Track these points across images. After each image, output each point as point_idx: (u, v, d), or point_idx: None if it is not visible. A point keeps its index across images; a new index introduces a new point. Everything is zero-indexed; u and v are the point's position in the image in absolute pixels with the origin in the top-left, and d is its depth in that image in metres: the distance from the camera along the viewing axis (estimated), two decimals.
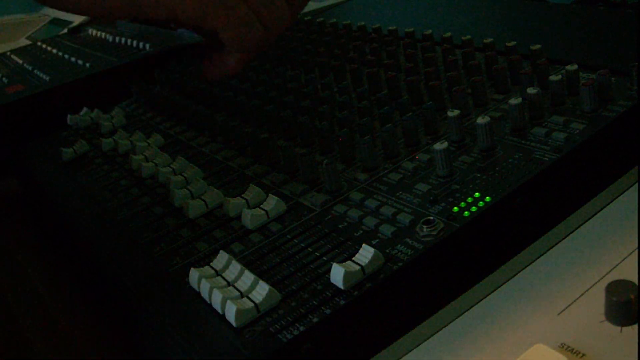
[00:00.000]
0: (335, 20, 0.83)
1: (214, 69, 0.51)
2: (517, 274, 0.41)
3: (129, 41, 0.97)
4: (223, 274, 0.42)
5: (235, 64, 0.49)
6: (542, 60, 0.55)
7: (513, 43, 0.60)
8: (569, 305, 0.36)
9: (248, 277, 0.41)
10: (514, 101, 0.49)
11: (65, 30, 1.22)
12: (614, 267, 0.38)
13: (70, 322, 0.53)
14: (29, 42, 1.26)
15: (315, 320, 0.37)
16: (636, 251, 0.39)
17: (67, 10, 0.47)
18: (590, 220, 0.44)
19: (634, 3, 0.76)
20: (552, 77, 0.51)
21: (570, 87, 0.52)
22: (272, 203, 0.48)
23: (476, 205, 0.42)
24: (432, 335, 0.39)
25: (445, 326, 0.39)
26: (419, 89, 0.59)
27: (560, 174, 0.45)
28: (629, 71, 0.50)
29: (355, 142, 0.53)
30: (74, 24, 1.24)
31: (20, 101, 0.81)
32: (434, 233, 0.41)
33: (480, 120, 0.48)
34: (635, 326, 0.33)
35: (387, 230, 0.42)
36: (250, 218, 0.47)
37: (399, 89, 0.60)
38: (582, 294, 0.37)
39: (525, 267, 0.42)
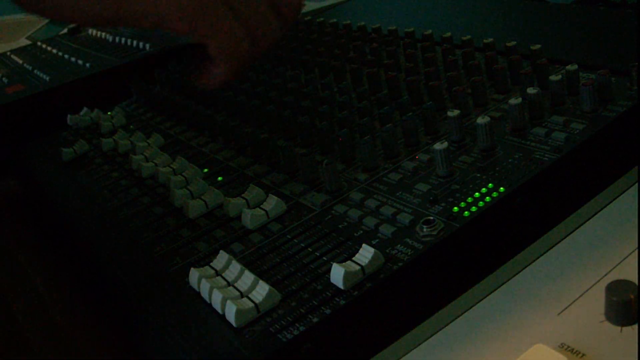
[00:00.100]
0: (335, 20, 0.83)
1: (202, 79, 0.49)
2: (517, 274, 0.41)
3: (129, 41, 0.97)
4: (223, 274, 0.42)
5: (223, 76, 0.48)
6: (542, 60, 0.55)
7: (513, 43, 0.60)
8: (569, 305, 0.36)
9: (248, 277, 0.41)
10: (514, 101, 0.49)
11: (65, 30, 1.22)
12: (614, 267, 0.38)
13: (70, 322, 0.53)
14: (29, 42, 1.26)
15: (315, 320, 0.37)
16: (636, 251, 0.39)
17: (50, 17, 0.46)
18: (590, 220, 0.44)
19: (634, 3, 0.76)
20: (552, 77, 0.51)
21: (570, 87, 0.52)
22: (272, 203, 0.48)
23: (476, 205, 0.42)
24: (432, 335, 0.39)
25: (445, 326, 0.39)
26: (419, 89, 0.59)
27: (560, 174, 0.45)
28: (629, 71, 0.50)
29: (355, 142, 0.53)
30: (74, 24, 1.24)
31: (20, 101, 0.81)
32: (434, 233, 0.41)
33: (480, 120, 0.48)
34: (635, 326, 0.33)
35: (387, 230, 0.42)
36: (250, 218, 0.47)
37: (399, 89, 0.60)
38: (582, 294, 0.37)
39: (525, 267, 0.42)
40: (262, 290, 0.39)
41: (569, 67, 0.52)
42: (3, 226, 0.70)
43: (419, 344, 0.38)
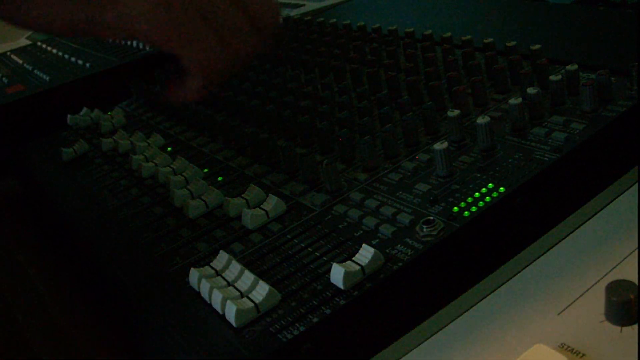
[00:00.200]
0: (335, 20, 0.83)
1: (176, 92, 0.48)
2: (517, 274, 0.41)
3: (129, 41, 0.97)
4: (223, 274, 0.42)
5: (198, 90, 0.46)
6: (542, 60, 0.55)
7: (513, 43, 0.60)
8: (569, 305, 0.36)
9: (248, 277, 0.41)
10: (514, 101, 0.49)
11: None
12: (614, 267, 0.38)
13: (70, 322, 0.53)
14: (29, 42, 1.26)
15: (315, 320, 0.37)
16: (636, 251, 0.39)
17: (23, 26, 0.44)
18: (590, 220, 0.44)
19: (634, 3, 0.76)
20: (552, 77, 0.51)
21: (570, 87, 0.52)
22: (272, 203, 0.48)
23: (476, 205, 0.42)
24: (432, 335, 0.39)
25: (445, 326, 0.39)
26: (419, 89, 0.59)
27: (560, 174, 0.45)
28: (629, 71, 0.50)
29: (355, 142, 0.53)
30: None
31: (20, 101, 0.81)
32: (434, 233, 0.41)
33: (480, 120, 0.48)
34: (635, 326, 0.33)
35: (387, 230, 0.42)
36: (250, 218, 0.47)
37: (399, 89, 0.60)
38: (582, 294, 0.37)
39: (525, 267, 0.42)
40: (262, 290, 0.39)
41: (569, 67, 0.52)
42: (3, 226, 0.70)
43: (419, 344, 0.38)
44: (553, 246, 0.43)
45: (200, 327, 0.40)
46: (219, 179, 0.56)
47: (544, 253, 0.42)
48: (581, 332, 0.34)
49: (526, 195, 0.43)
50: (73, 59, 0.96)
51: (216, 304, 0.40)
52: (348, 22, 0.81)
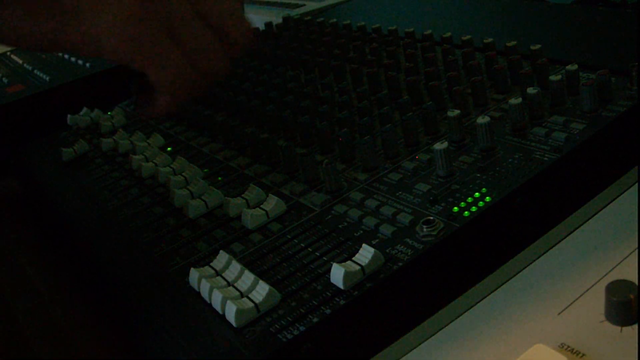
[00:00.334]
0: (335, 20, 0.83)
1: (145, 107, 0.47)
2: (517, 274, 0.41)
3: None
4: (223, 274, 0.42)
5: (166, 106, 0.45)
6: (542, 60, 0.55)
7: (513, 43, 0.60)
8: (569, 305, 0.36)
9: (248, 277, 0.41)
10: (514, 101, 0.49)
11: None
12: (614, 267, 0.38)
13: (70, 322, 0.53)
14: None
15: (315, 320, 0.37)
16: (636, 251, 0.39)
17: None
18: (590, 220, 0.44)
19: (634, 3, 0.76)
20: (552, 77, 0.51)
21: (570, 87, 0.52)
22: (272, 203, 0.48)
23: (476, 205, 0.42)
24: (432, 335, 0.39)
25: (445, 326, 0.39)
26: (419, 89, 0.59)
27: (560, 174, 0.45)
28: (629, 71, 0.50)
29: (355, 142, 0.53)
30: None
31: (20, 101, 0.81)
32: (434, 233, 0.41)
33: (480, 120, 0.48)
34: (635, 326, 0.33)
35: (387, 230, 0.42)
36: (250, 218, 0.47)
37: (399, 89, 0.60)
38: (582, 294, 0.37)
39: (525, 267, 0.42)
40: (262, 290, 0.39)
41: (569, 67, 0.52)
42: (3, 226, 0.70)
43: (419, 344, 0.38)
44: (553, 246, 0.43)
45: (200, 327, 0.40)
46: (219, 179, 0.56)
47: (544, 253, 0.42)
48: (581, 332, 0.34)
49: (526, 195, 0.43)
50: (73, 59, 0.96)
51: (216, 304, 0.40)
52: (348, 22, 0.81)
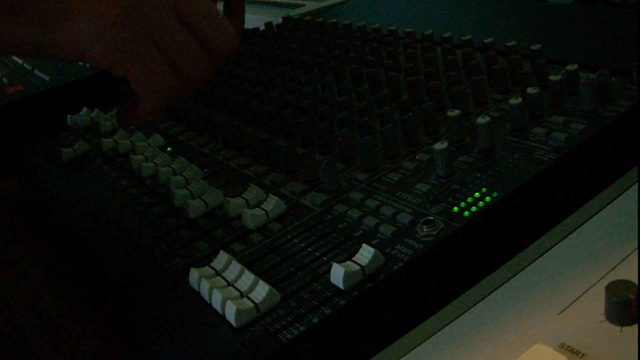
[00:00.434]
0: (335, 20, 0.83)
1: (126, 115, 0.47)
2: (517, 274, 0.41)
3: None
4: (223, 274, 0.42)
5: (148, 114, 0.45)
6: (542, 60, 0.55)
7: (513, 43, 0.60)
8: (569, 305, 0.36)
9: (248, 277, 0.41)
10: (514, 101, 0.49)
11: None
12: (614, 267, 0.38)
13: (70, 322, 0.53)
14: None
15: (315, 320, 0.37)
16: (636, 251, 0.39)
17: None
18: (590, 220, 0.44)
19: (634, 3, 0.76)
20: (552, 77, 0.51)
21: (570, 87, 0.52)
22: (272, 203, 0.48)
23: (476, 205, 0.42)
24: (432, 335, 0.38)
25: (445, 326, 0.39)
26: (419, 89, 0.59)
27: (560, 174, 0.45)
28: (629, 71, 0.50)
29: (355, 142, 0.53)
30: None
31: (20, 101, 0.81)
32: (434, 233, 0.41)
33: (480, 120, 0.48)
34: (635, 326, 0.33)
35: (387, 230, 0.42)
36: (250, 218, 0.47)
37: (399, 89, 0.60)
38: (582, 294, 0.37)
39: (525, 267, 0.42)
40: (262, 290, 0.39)
41: (569, 67, 0.52)
42: (3, 226, 0.70)
43: (419, 344, 0.38)
44: (553, 246, 0.43)
45: (200, 327, 0.40)
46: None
47: (544, 253, 0.42)
48: (581, 332, 0.34)
49: (526, 195, 0.43)
50: None
51: (216, 304, 0.40)
52: (348, 22, 0.81)
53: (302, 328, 0.37)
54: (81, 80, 0.84)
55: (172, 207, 0.53)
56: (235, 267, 0.42)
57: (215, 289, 0.40)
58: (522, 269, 0.41)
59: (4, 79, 0.95)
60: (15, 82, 0.92)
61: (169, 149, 0.63)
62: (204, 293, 0.41)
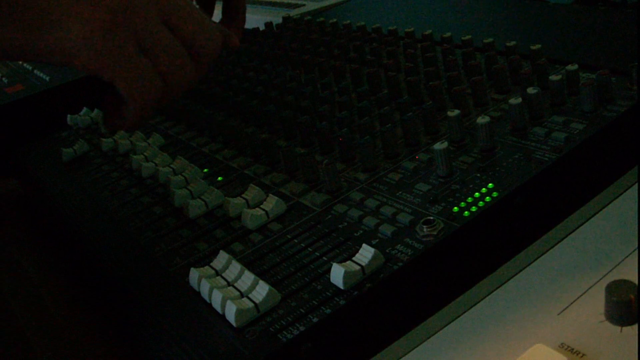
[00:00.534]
0: (335, 20, 0.83)
1: (112, 120, 0.46)
2: (517, 274, 0.41)
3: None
4: (223, 274, 0.42)
5: (134, 118, 0.45)
6: (542, 60, 0.55)
7: (513, 43, 0.60)
8: (569, 305, 0.36)
9: (248, 277, 0.41)
10: (514, 101, 0.49)
11: None
12: (614, 267, 0.38)
13: (70, 322, 0.53)
14: None
15: (315, 320, 0.37)
16: (636, 251, 0.39)
17: None
18: (590, 220, 0.44)
19: (634, 3, 0.76)
20: (552, 77, 0.51)
21: (570, 87, 0.52)
22: (272, 203, 0.48)
23: (476, 205, 0.42)
24: (432, 335, 0.39)
25: (445, 326, 0.39)
26: (419, 89, 0.59)
27: (560, 174, 0.45)
28: (629, 71, 0.50)
29: (355, 142, 0.53)
30: None
31: (20, 101, 0.81)
32: (434, 233, 0.41)
33: (480, 120, 0.48)
34: (635, 326, 0.33)
35: (387, 230, 0.42)
36: (250, 218, 0.47)
37: (399, 89, 0.60)
38: (582, 294, 0.37)
39: (525, 267, 0.42)
40: (262, 290, 0.39)
41: (569, 67, 0.52)
42: (3, 226, 0.70)
43: (419, 344, 0.38)
44: (553, 246, 0.43)
45: (200, 327, 0.40)
46: (219, 179, 0.56)
47: (544, 253, 0.42)
48: (581, 332, 0.34)
49: (526, 195, 0.43)
50: None
51: (216, 304, 0.40)
52: (348, 22, 0.81)
53: (302, 328, 0.37)
54: (81, 80, 0.84)
55: (172, 207, 0.53)
56: (235, 267, 0.42)
57: (215, 289, 0.40)
58: (522, 269, 0.41)
59: (4, 79, 0.95)
60: (15, 82, 0.91)
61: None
62: (204, 293, 0.41)
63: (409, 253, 0.40)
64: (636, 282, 0.33)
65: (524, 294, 0.39)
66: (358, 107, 0.58)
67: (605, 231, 0.42)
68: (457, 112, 0.50)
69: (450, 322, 0.39)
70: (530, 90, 0.50)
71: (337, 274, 0.39)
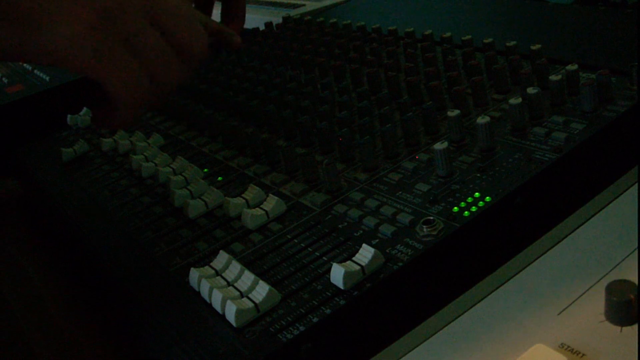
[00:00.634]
0: (335, 20, 0.83)
1: (101, 120, 0.47)
2: (517, 274, 0.41)
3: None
4: (223, 274, 0.42)
5: (123, 119, 0.45)
6: (542, 60, 0.55)
7: (513, 43, 0.60)
8: (569, 305, 0.36)
9: (248, 277, 0.41)
10: (514, 101, 0.49)
11: None
12: (614, 267, 0.38)
13: (70, 322, 0.53)
14: None
15: (315, 320, 0.37)
16: (636, 251, 0.39)
17: None
18: (590, 220, 0.44)
19: (634, 3, 0.76)
20: (552, 77, 0.51)
21: (570, 87, 0.52)
22: (272, 203, 0.48)
23: (476, 205, 0.42)
24: (432, 335, 0.39)
25: (445, 326, 0.39)
26: (419, 89, 0.59)
27: (560, 174, 0.45)
28: (629, 71, 0.50)
29: (355, 142, 0.53)
30: None
31: (20, 101, 0.81)
32: (434, 233, 0.41)
33: (480, 120, 0.48)
34: (635, 326, 0.33)
35: (387, 230, 0.42)
36: (250, 218, 0.47)
37: (399, 89, 0.60)
38: (582, 294, 0.37)
39: (525, 267, 0.42)
40: (262, 290, 0.39)
41: (569, 67, 0.52)
42: (3, 226, 0.70)
43: (419, 344, 0.38)
44: (553, 246, 0.43)
45: (200, 327, 0.40)
46: (219, 178, 0.56)
47: (544, 253, 0.42)
48: (581, 332, 0.34)
49: (526, 195, 0.43)
50: None
51: (216, 304, 0.40)
52: (348, 22, 0.81)
53: (302, 328, 0.37)
54: (81, 80, 0.84)
55: (172, 207, 0.53)
56: (235, 267, 0.42)
57: (215, 289, 0.40)
58: (522, 269, 0.41)
59: (4, 79, 0.95)
60: (15, 82, 0.91)
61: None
62: (204, 293, 0.41)
63: (409, 253, 0.40)
64: (636, 282, 0.33)
65: (524, 294, 0.39)
66: (358, 107, 0.58)
67: (605, 231, 0.42)
68: (457, 112, 0.50)
69: (450, 322, 0.39)
70: (530, 90, 0.50)
71: (337, 274, 0.39)
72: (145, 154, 0.62)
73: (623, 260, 0.38)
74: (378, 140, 0.53)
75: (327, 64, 0.69)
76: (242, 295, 0.40)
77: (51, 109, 0.81)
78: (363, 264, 0.39)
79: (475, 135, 0.49)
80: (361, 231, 0.44)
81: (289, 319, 0.38)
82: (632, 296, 0.33)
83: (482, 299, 0.40)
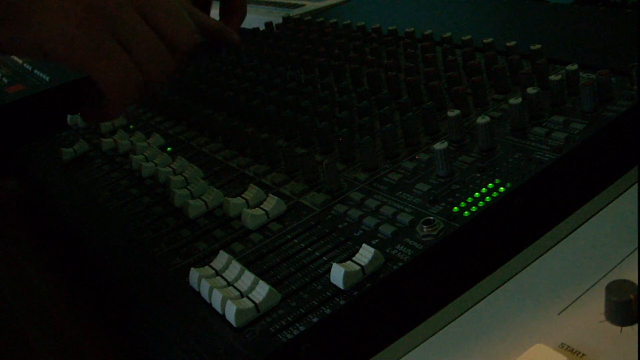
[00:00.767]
0: (335, 20, 0.83)
1: (91, 112, 0.47)
2: (517, 274, 0.41)
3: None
4: (223, 274, 0.42)
5: (113, 110, 0.45)
6: (542, 60, 0.55)
7: (513, 43, 0.60)
8: (569, 305, 0.36)
9: (248, 277, 0.41)
10: (514, 101, 0.49)
11: None
12: (614, 267, 0.38)
13: (70, 322, 0.53)
14: None
15: (315, 320, 0.37)
16: (636, 251, 0.39)
17: None
18: (590, 220, 0.44)
19: (634, 3, 0.76)
20: (552, 77, 0.51)
21: (570, 87, 0.52)
22: (272, 203, 0.48)
23: (476, 205, 0.42)
24: (432, 335, 0.39)
25: (445, 326, 0.39)
26: (419, 89, 0.59)
27: (560, 174, 0.45)
28: (629, 71, 0.50)
29: (355, 142, 0.53)
30: None
31: (20, 101, 0.81)
32: (434, 233, 0.41)
33: (480, 120, 0.48)
34: (635, 326, 0.33)
35: (387, 230, 0.42)
36: (250, 218, 0.47)
37: (399, 89, 0.60)
38: (582, 294, 0.37)
39: (525, 267, 0.42)
40: (262, 290, 0.39)
41: (569, 67, 0.52)
42: (3, 226, 0.70)
43: (419, 344, 0.38)
44: (553, 246, 0.43)
45: (200, 327, 0.40)
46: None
47: (544, 253, 0.42)
48: (581, 332, 0.34)
49: (526, 195, 0.43)
50: None
51: (216, 304, 0.40)
52: (348, 22, 0.81)
53: (302, 328, 0.37)
54: (81, 80, 0.84)
55: (172, 207, 0.53)
56: (235, 267, 0.42)
57: (215, 289, 0.40)
58: (522, 269, 0.41)
59: (4, 79, 0.95)
60: (15, 82, 0.91)
61: (168, 149, 0.63)
62: (204, 293, 0.41)
63: (409, 253, 0.40)
64: (636, 282, 0.33)
65: (524, 294, 0.39)
66: (358, 107, 0.58)
67: (605, 231, 0.42)
68: (457, 112, 0.50)
69: (450, 322, 0.39)
70: (530, 90, 0.50)
71: (337, 274, 0.39)
72: (145, 154, 0.62)
73: (623, 260, 0.38)
74: (378, 140, 0.53)
75: (327, 64, 0.69)
76: (242, 295, 0.40)
77: (51, 109, 0.81)
78: (363, 264, 0.39)
79: (475, 135, 0.49)
80: (361, 231, 0.44)
81: (289, 319, 0.38)
82: (632, 296, 0.33)
83: (482, 299, 0.40)
